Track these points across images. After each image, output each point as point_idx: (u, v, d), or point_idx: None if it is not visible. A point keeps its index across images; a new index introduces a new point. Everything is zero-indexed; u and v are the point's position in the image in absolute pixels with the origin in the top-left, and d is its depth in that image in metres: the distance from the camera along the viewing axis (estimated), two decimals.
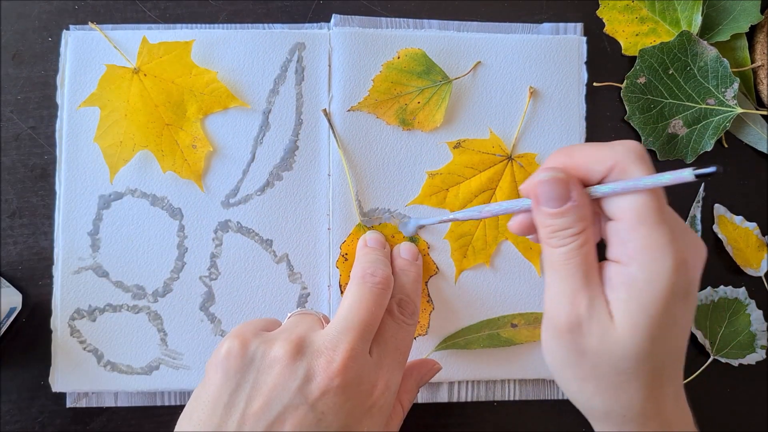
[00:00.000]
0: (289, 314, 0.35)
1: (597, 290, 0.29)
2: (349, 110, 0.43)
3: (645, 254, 0.28)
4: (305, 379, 0.30)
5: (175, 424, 0.31)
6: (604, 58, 0.46)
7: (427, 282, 0.43)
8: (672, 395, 0.30)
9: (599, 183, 0.29)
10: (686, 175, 0.26)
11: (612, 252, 0.29)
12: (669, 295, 0.28)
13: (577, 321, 0.29)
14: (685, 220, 0.45)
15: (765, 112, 0.45)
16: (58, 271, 0.42)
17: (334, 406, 0.30)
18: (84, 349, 0.41)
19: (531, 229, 0.32)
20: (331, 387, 0.30)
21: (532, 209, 0.31)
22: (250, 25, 0.44)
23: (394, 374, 0.33)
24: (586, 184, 0.30)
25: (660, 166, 0.45)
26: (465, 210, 0.36)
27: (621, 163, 0.28)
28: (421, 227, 0.42)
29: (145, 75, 0.41)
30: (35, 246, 0.42)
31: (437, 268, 0.43)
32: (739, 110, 0.43)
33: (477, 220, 0.43)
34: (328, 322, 0.34)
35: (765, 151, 0.45)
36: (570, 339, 0.29)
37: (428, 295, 0.43)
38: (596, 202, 0.30)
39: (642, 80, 0.44)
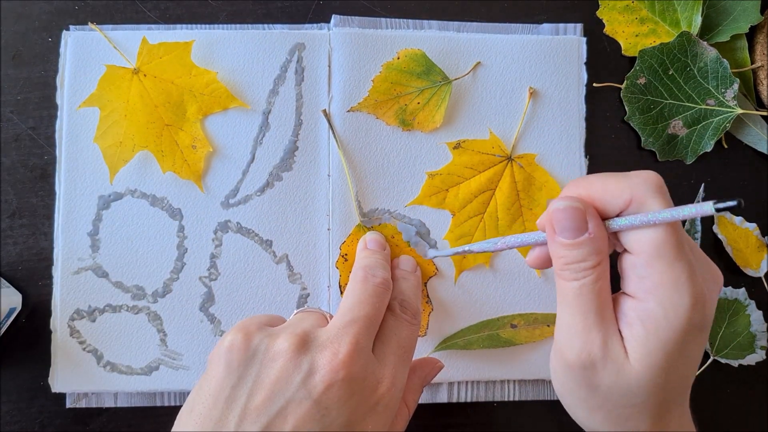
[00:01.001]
0: (295, 311, 0.35)
1: (611, 327, 0.29)
2: (348, 111, 0.43)
3: (662, 290, 0.27)
4: (309, 372, 0.30)
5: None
6: (604, 59, 0.46)
7: (426, 283, 0.43)
8: (678, 416, 0.30)
9: (617, 216, 0.29)
10: (707, 209, 0.26)
11: (628, 286, 0.29)
12: (686, 331, 0.27)
13: (590, 359, 0.28)
14: (685, 220, 0.45)
15: (765, 113, 0.44)
16: (57, 272, 0.42)
17: (339, 401, 0.29)
18: (84, 349, 0.41)
19: (549, 262, 0.32)
20: (336, 380, 0.29)
21: (548, 240, 0.30)
22: (250, 25, 0.44)
23: (400, 371, 0.33)
24: (603, 217, 0.29)
25: (659, 171, 0.45)
26: (480, 242, 0.36)
27: (638, 196, 0.28)
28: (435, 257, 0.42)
29: (144, 75, 0.41)
30: (35, 246, 0.42)
31: (437, 268, 0.43)
32: (739, 111, 0.43)
33: (478, 223, 0.43)
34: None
35: (765, 151, 0.45)
36: (582, 375, 0.29)
37: (427, 295, 0.43)
38: (611, 235, 0.29)
39: (642, 81, 0.44)
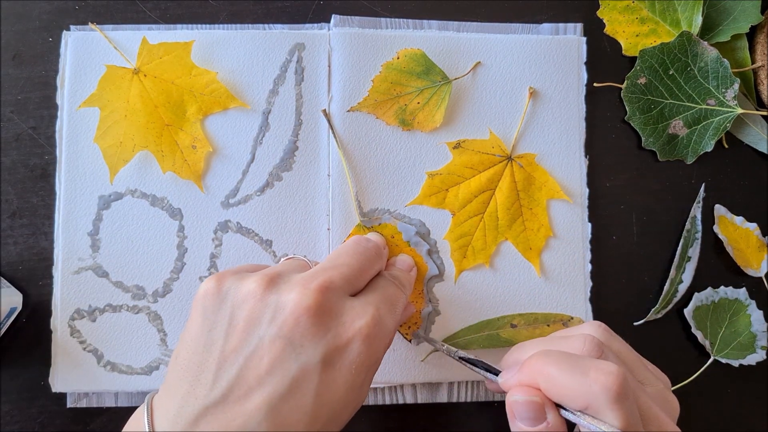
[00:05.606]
0: (283, 259, 0.35)
1: None
2: (348, 111, 0.43)
3: None
4: (276, 309, 0.29)
5: None
6: (604, 59, 0.45)
7: (425, 282, 0.43)
8: None
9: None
10: None
11: None
12: None
13: None
14: (686, 221, 0.45)
15: (765, 113, 0.44)
16: (58, 272, 0.42)
17: (313, 337, 0.29)
18: (84, 349, 0.41)
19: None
20: (302, 314, 0.29)
21: (510, 422, 0.31)
22: (250, 25, 0.44)
23: (385, 314, 0.32)
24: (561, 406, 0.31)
25: (659, 171, 0.45)
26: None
27: (595, 406, 0.29)
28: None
29: (145, 75, 0.42)
30: (35, 246, 0.42)
31: (438, 268, 0.43)
32: (740, 111, 0.43)
33: (478, 223, 0.43)
34: None
35: (765, 151, 0.45)
36: None
37: (426, 295, 0.43)
38: None
39: (642, 81, 0.44)
